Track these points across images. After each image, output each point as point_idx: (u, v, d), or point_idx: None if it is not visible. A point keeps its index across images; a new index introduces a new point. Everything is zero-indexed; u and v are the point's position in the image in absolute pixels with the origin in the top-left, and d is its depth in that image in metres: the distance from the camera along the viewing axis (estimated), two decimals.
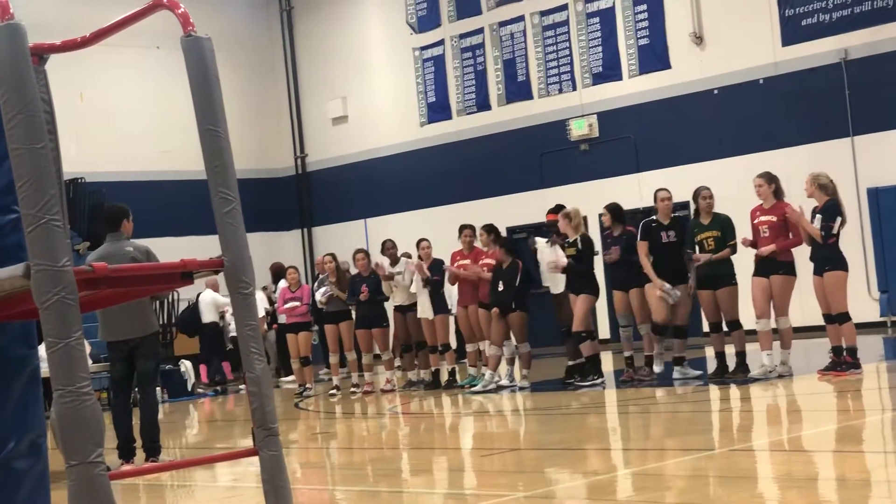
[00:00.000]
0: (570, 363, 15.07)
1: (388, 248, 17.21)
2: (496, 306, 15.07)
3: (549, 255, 15.18)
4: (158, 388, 16.61)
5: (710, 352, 14.56)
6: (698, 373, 14.19)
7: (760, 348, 13.47)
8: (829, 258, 13.04)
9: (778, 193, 13.53)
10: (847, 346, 13.10)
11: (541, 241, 15.72)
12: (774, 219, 13.36)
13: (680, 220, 14.25)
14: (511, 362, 15.49)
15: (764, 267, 13.36)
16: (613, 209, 14.94)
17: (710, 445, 9.33)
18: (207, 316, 21.91)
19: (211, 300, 21.87)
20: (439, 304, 16.46)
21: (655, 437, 10.36)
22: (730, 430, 10.65)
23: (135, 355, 10.59)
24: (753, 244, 13.50)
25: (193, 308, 22.27)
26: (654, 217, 14.30)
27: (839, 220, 13.03)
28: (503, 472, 9.17)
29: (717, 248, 13.68)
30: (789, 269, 13.33)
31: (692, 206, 14.67)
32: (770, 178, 13.59)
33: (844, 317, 13.00)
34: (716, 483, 7.60)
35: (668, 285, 13.94)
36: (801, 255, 13.75)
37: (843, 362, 13.08)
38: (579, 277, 14.73)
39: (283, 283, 19.45)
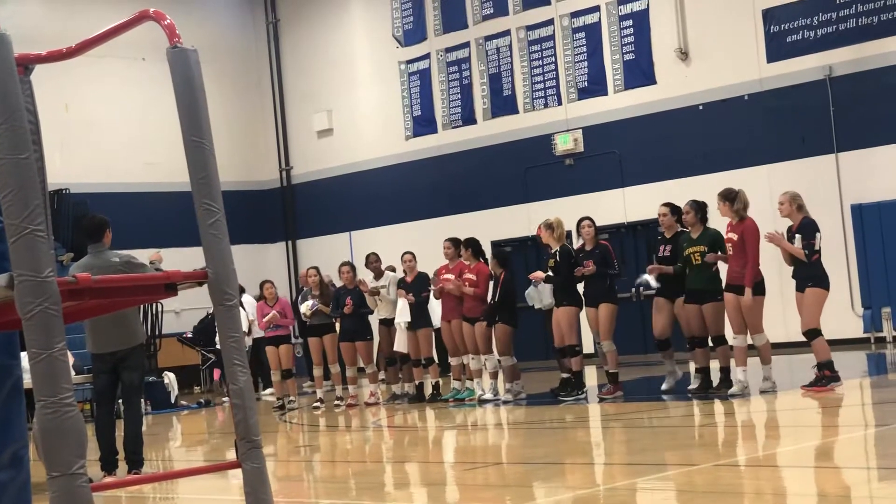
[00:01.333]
0: (564, 376, 15.10)
1: (373, 261, 17.21)
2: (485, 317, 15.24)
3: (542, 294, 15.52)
4: (142, 400, 16.53)
5: (693, 367, 14.55)
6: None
7: (735, 364, 13.43)
8: (811, 276, 13.05)
9: (741, 211, 13.25)
10: (823, 360, 13.11)
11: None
12: (736, 237, 13.22)
13: (680, 235, 14.15)
14: (494, 376, 15.49)
15: (733, 286, 13.29)
16: (592, 220, 14.97)
17: (694, 461, 9.32)
18: None
19: None
20: (423, 317, 16.45)
21: (639, 452, 10.34)
22: (714, 445, 10.66)
23: (120, 367, 10.54)
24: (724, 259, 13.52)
25: (212, 320, 21.94)
26: (661, 228, 14.41)
27: (818, 235, 13.06)
28: (486, 486, 9.16)
29: (704, 263, 13.63)
30: (758, 289, 13.19)
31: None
32: (725, 196, 13.33)
33: (813, 333, 12.99)
34: (700, 499, 7.59)
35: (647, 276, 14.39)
36: (780, 275, 13.75)
37: (823, 377, 13.09)
38: (559, 289, 14.78)
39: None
